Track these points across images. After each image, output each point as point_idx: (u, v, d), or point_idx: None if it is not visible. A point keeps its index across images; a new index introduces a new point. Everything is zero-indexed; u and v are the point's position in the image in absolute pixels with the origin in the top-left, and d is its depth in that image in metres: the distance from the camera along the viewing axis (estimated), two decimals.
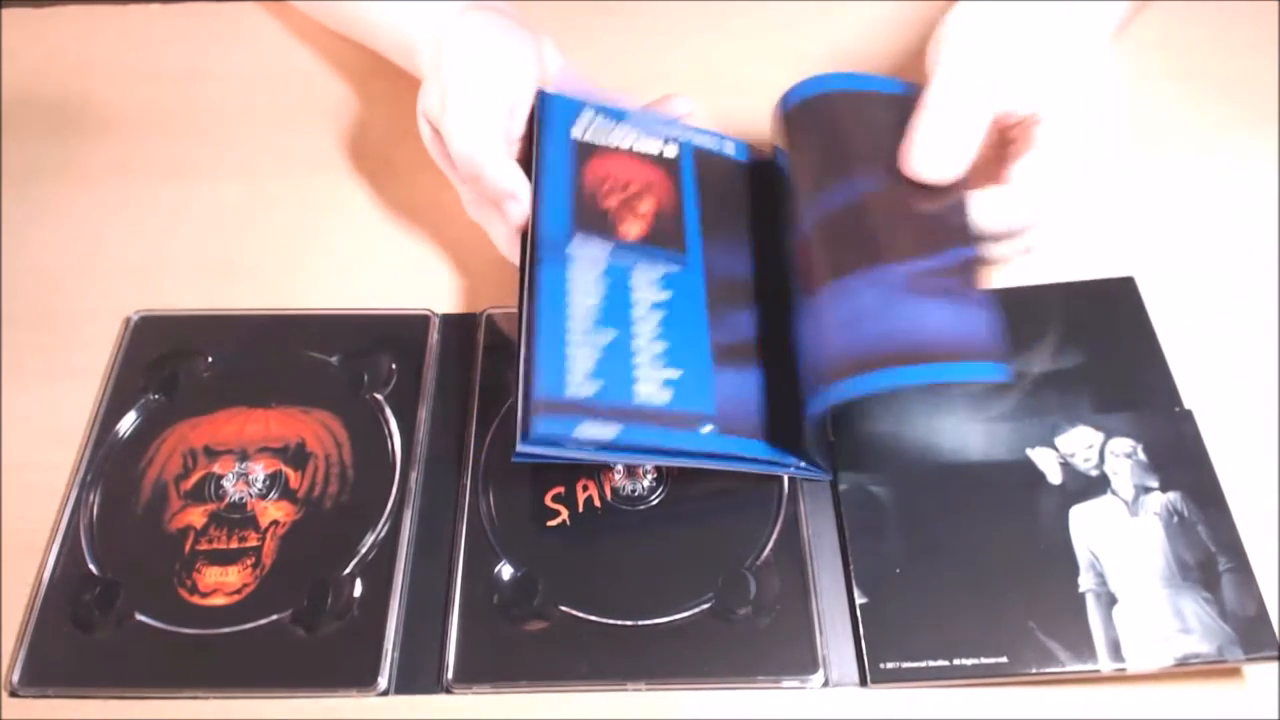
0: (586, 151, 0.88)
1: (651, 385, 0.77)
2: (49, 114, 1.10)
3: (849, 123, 0.87)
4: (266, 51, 1.16)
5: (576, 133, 0.88)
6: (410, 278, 0.96)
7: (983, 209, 0.80)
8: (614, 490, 0.82)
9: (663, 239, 0.85)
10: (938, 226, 0.80)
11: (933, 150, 0.80)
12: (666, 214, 0.87)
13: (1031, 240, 0.82)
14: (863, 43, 1.15)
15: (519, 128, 0.88)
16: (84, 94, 1.12)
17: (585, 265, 0.81)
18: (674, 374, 0.78)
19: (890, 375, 0.73)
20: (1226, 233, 0.97)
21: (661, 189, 0.88)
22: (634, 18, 1.18)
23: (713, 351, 0.81)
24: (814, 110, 0.88)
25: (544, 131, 0.87)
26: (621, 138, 0.90)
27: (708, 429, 0.77)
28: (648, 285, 0.82)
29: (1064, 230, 0.83)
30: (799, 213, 0.83)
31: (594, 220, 0.84)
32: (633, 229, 0.85)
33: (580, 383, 0.76)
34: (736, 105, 1.07)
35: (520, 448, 0.73)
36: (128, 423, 0.85)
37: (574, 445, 0.74)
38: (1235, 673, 0.75)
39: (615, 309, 0.80)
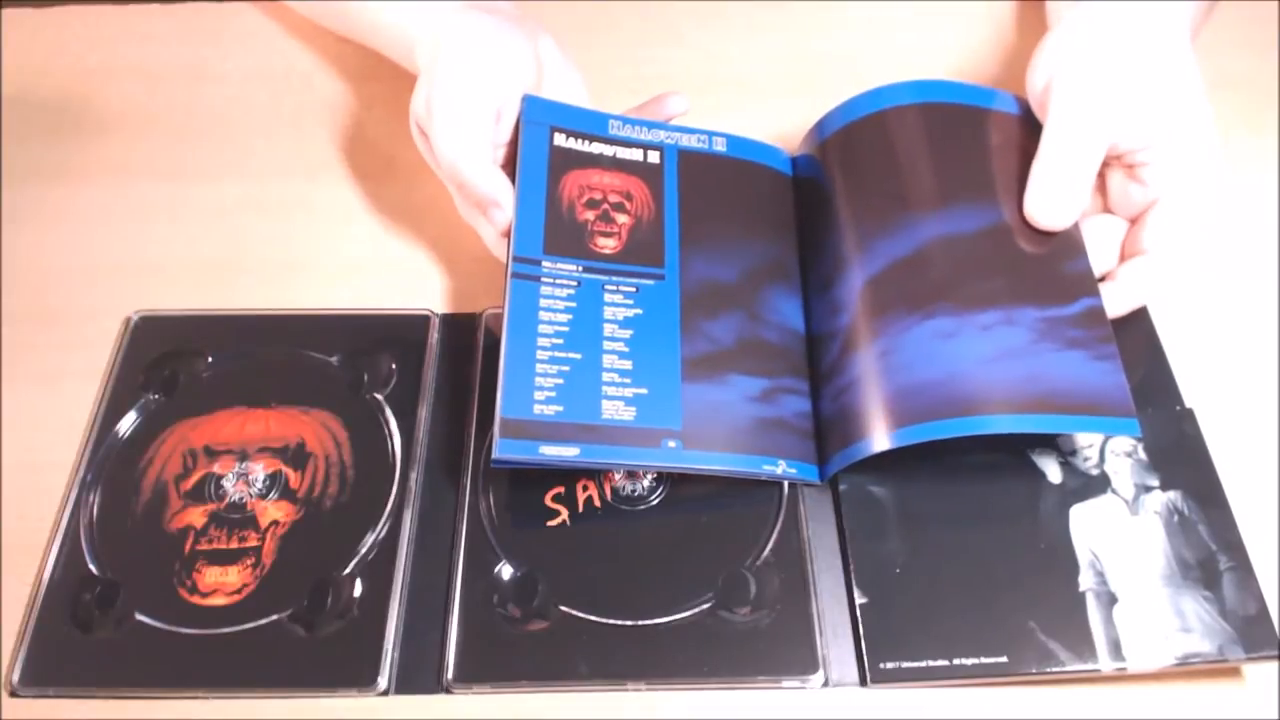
0: (566, 161, 0.88)
1: (616, 403, 0.79)
2: (49, 114, 1.10)
3: (939, 145, 0.88)
4: (266, 51, 1.16)
5: (558, 140, 0.88)
6: (410, 278, 0.96)
7: (1121, 300, 0.85)
8: (614, 490, 0.82)
9: (638, 254, 0.86)
10: (1065, 273, 0.82)
11: (1059, 200, 0.83)
12: (644, 226, 0.88)
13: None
14: (862, 41, 1.15)
15: (506, 132, 0.89)
16: (84, 94, 1.12)
17: (556, 284, 0.82)
18: (640, 391, 0.80)
19: (1038, 421, 0.76)
20: (1228, 232, 0.97)
21: (641, 199, 0.89)
22: (634, 17, 1.18)
23: (683, 367, 0.82)
24: (885, 127, 0.90)
25: (524, 139, 0.87)
26: (603, 147, 0.90)
27: (672, 444, 0.78)
28: (619, 302, 0.83)
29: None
30: (887, 231, 0.85)
31: (568, 236, 0.85)
32: (608, 244, 0.86)
33: (544, 403, 0.78)
34: (737, 104, 1.07)
35: (493, 461, 0.76)
36: (128, 423, 0.85)
37: (540, 461, 0.76)
38: (1235, 672, 0.75)
39: (584, 328, 0.82)
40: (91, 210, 1.02)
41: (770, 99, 1.10)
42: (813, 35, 1.16)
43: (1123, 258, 0.86)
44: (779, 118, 1.05)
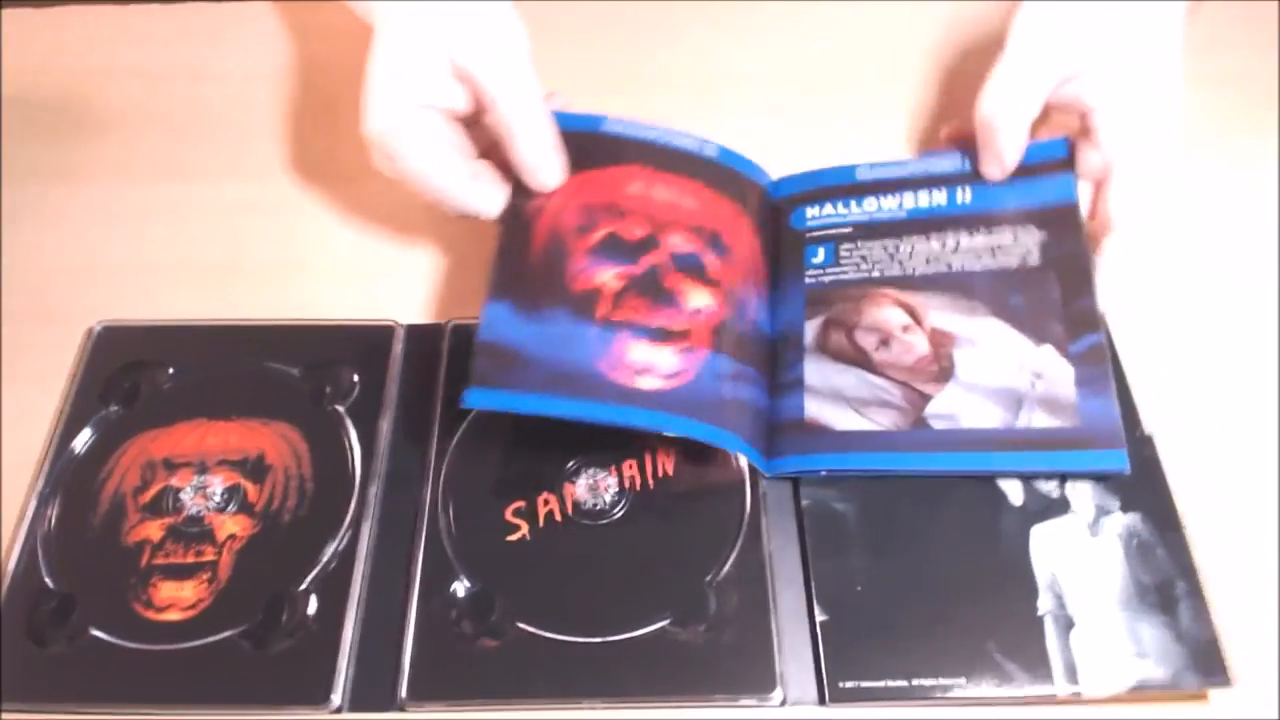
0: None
1: None
2: (49, 114, 1.10)
3: None
4: (266, 51, 1.16)
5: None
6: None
7: None
8: (576, 504, 0.81)
9: None
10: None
11: (1001, 97, 0.86)
12: None
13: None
14: (863, 42, 1.14)
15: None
16: (84, 94, 1.12)
17: None
18: None
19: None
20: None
21: None
22: (634, 17, 1.17)
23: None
24: None
25: None
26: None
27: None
28: None
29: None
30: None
31: None
32: None
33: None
34: (737, 104, 1.07)
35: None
36: (87, 435, 0.85)
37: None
38: (1200, 695, 0.74)
39: None
40: (91, 210, 1.03)
41: (770, 99, 1.09)
42: (813, 35, 1.15)
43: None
44: (779, 118, 1.05)
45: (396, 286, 0.96)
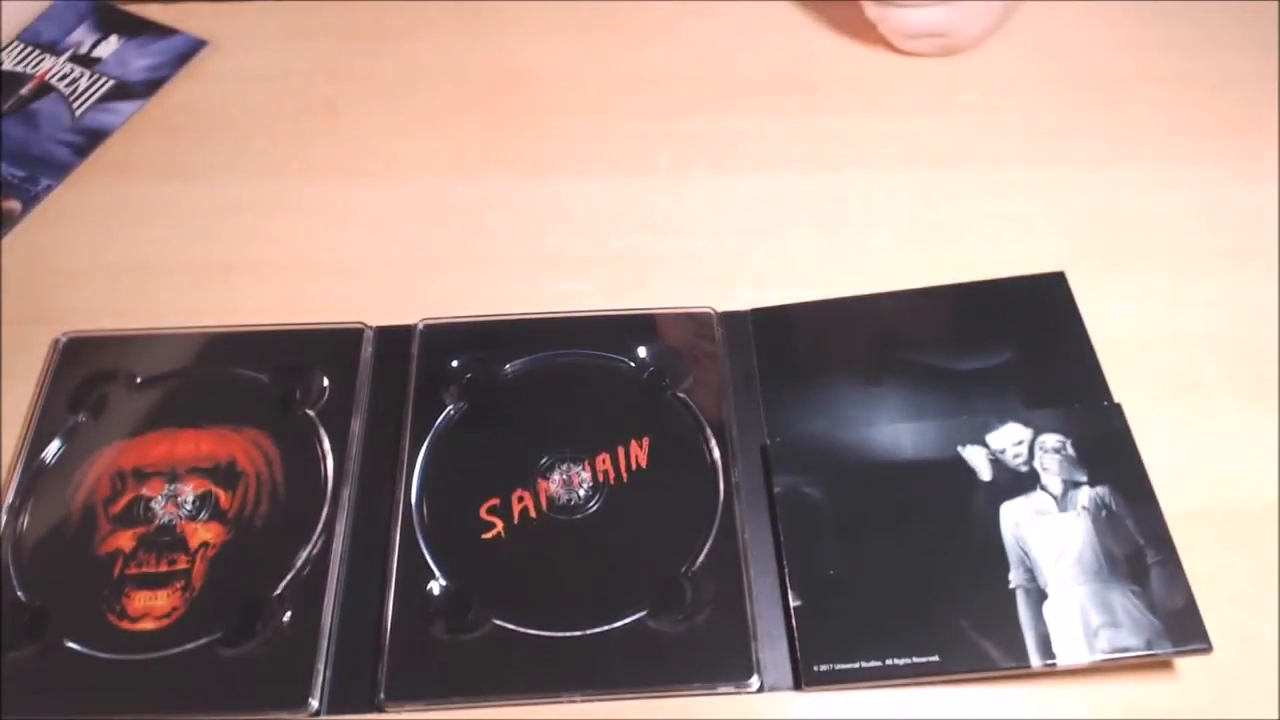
0: None
1: None
2: None
3: None
4: (266, 51, 1.17)
5: None
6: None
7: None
8: (550, 500, 0.81)
9: None
10: None
11: None
12: None
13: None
14: (861, 41, 1.16)
15: None
16: None
17: None
18: None
19: None
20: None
21: None
22: (634, 17, 1.18)
23: None
24: None
25: None
26: None
27: None
28: None
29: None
30: None
31: None
32: None
33: None
34: (736, 104, 1.07)
35: None
36: (56, 447, 0.85)
37: None
38: (1168, 665, 0.75)
39: None
40: (91, 210, 1.02)
41: (770, 99, 1.09)
42: (813, 35, 1.16)
43: None
44: (778, 118, 1.06)
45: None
